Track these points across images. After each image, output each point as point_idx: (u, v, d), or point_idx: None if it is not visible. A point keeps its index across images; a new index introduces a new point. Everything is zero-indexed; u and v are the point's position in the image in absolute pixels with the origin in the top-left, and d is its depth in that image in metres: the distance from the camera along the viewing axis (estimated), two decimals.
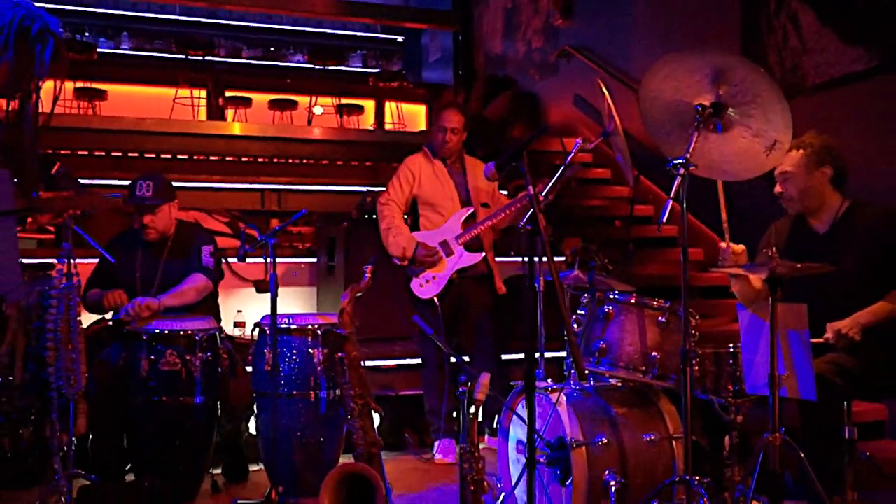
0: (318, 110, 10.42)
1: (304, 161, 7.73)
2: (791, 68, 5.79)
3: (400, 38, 12.92)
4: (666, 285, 5.53)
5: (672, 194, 2.63)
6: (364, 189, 6.65)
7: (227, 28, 11.63)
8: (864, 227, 3.35)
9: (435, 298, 4.34)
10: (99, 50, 9.70)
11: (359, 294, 2.98)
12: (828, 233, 3.41)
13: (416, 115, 11.43)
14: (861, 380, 3.14)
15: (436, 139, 4.56)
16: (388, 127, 10.61)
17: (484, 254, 4.43)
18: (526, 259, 3.21)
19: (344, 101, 10.20)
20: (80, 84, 8.80)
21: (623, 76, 7.48)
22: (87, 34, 10.67)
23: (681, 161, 2.65)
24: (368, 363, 4.82)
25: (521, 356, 3.59)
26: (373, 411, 4.64)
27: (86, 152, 7.05)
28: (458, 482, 2.31)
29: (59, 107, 2.81)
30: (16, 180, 2.65)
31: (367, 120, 10.63)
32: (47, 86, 2.71)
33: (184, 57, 9.38)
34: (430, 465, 4.36)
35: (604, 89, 3.42)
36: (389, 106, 10.74)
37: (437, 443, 4.44)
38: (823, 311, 3.16)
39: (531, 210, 3.62)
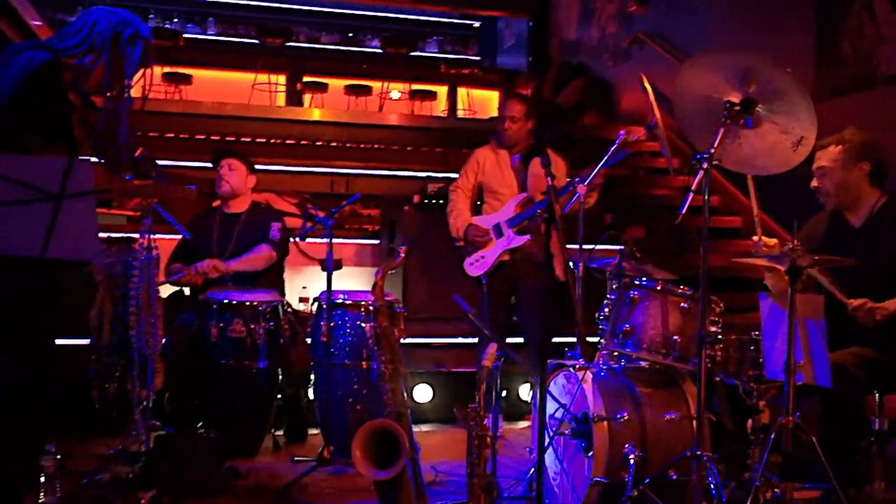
0: (395, 95, 10.66)
1: (376, 146, 7.98)
2: (865, 57, 5.77)
3: (476, 24, 13.05)
4: (726, 276, 5.55)
5: (694, 187, 2.79)
6: (430, 175, 6.89)
7: (308, 14, 11.93)
8: None
9: (482, 277, 4.59)
10: (185, 35, 10.12)
11: (391, 271, 3.24)
12: (863, 227, 3.47)
13: (489, 101, 11.55)
14: (887, 371, 3.24)
15: (499, 128, 4.77)
16: (460, 113, 10.80)
17: (529, 237, 4.60)
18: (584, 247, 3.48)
19: (417, 86, 10.40)
20: (167, 69, 9.26)
21: None
22: (175, 20, 11.13)
23: (705, 156, 2.81)
24: (422, 340, 5.12)
25: (573, 339, 3.81)
26: (429, 386, 4.98)
27: (172, 135, 7.47)
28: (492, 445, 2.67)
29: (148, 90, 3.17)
30: (103, 161, 3.00)
31: (440, 106, 10.84)
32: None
33: (264, 42, 9.72)
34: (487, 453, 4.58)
35: (647, 85, 3.59)
36: (461, 92, 10.92)
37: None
38: None
39: (573, 197, 3.83)
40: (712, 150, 2.82)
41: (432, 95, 10.49)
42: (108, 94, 2.99)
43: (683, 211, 2.80)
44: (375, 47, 11.90)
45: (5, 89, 2.79)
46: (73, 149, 2.91)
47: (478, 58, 12.45)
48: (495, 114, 11.33)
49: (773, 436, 2.83)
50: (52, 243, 1.93)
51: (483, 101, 11.27)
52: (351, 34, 12.13)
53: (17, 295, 2.72)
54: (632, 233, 6.94)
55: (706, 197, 2.83)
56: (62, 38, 2.97)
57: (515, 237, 4.55)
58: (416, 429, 4.72)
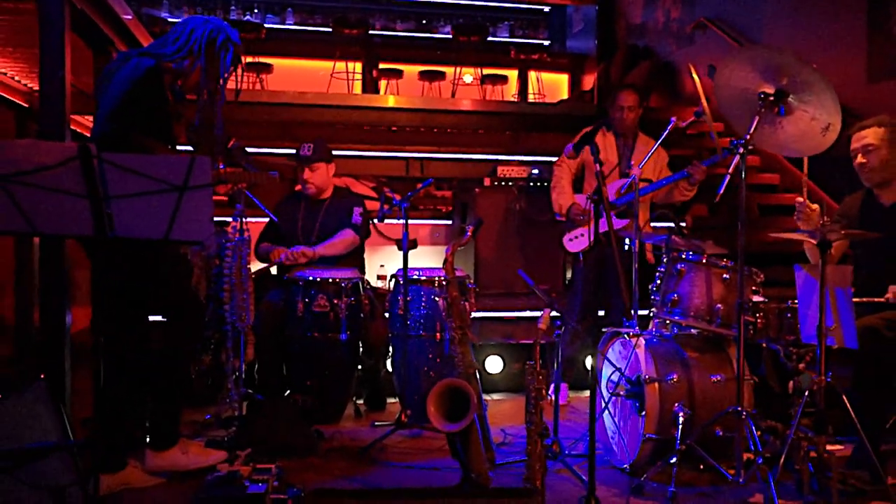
0: (468, 79, 10.90)
1: (449, 130, 8.25)
2: None
3: (546, 9, 13.18)
4: (780, 251, 5.69)
5: (731, 170, 3.07)
6: (499, 158, 7.16)
7: (382, 2, 12.21)
8: None
9: (580, 254, 4.90)
10: (266, 26, 10.53)
11: (460, 248, 3.58)
12: (892, 206, 3.73)
13: (558, 85, 11.71)
14: None
15: (615, 116, 5.00)
16: (530, 97, 10.98)
17: (628, 221, 4.82)
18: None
19: (488, 71, 10.59)
20: (249, 59, 9.68)
21: None
22: (255, 11, 11.57)
23: (740, 142, 3.08)
24: (492, 314, 5.45)
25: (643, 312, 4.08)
26: (499, 357, 5.33)
27: (255, 123, 7.88)
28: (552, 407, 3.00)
29: (233, 81, 3.52)
30: (197, 151, 3.41)
31: (511, 90, 11.03)
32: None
33: (341, 32, 10.08)
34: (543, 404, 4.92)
35: (694, 75, 3.85)
36: (532, 76, 11.09)
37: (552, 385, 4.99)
38: (891, 275, 3.54)
39: (625, 182, 4.09)
40: (747, 136, 3.10)
41: (503, 79, 10.67)
42: (204, 93, 3.41)
43: (721, 192, 3.08)
44: (447, 34, 12.13)
45: (116, 93, 3.21)
46: (172, 143, 3.33)
47: (547, 42, 12.60)
48: (565, 96, 11.57)
49: (806, 394, 3.10)
50: (175, 228, 2.32)
51: (552, 85, 11.42)
52: (424, 21, 12.37)
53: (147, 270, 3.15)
54: (694, 210, 7.15)
55: (743, 177, 3.10)
56: (163, 45, 3.38)
57: (615, 220, 4.83)
58: (487, 397, 5.07)
